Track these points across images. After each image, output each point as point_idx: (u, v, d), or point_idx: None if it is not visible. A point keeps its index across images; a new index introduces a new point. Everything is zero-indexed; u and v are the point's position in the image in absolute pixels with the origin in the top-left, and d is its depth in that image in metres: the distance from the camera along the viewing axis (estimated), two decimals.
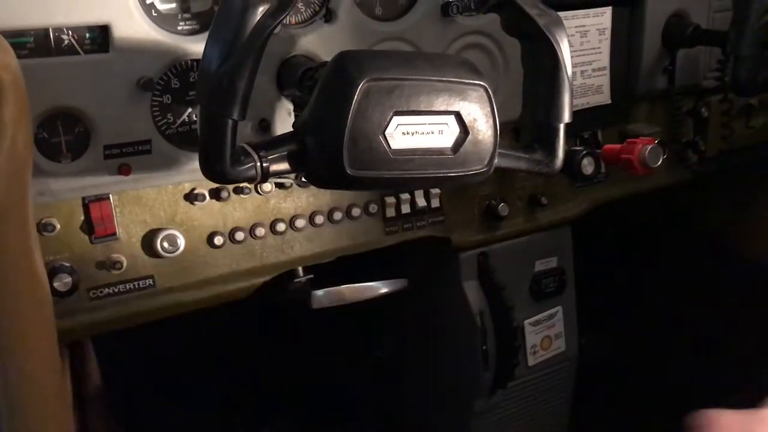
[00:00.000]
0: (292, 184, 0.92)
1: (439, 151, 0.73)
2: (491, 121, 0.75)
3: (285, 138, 0.72)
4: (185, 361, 1.39)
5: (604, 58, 1.25)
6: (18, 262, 0.42)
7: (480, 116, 0.75)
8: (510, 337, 1.22)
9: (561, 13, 0.89)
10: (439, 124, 0.73)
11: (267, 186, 0.99)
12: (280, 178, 0.72)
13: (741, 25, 1.04)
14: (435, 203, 1.14)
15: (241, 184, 0.97)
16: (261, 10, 0.66)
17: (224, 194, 0.97)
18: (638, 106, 1.32)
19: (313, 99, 0.73)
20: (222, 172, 0.68)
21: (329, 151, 0.70)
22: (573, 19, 1.18)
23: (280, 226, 1.02)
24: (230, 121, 0.67)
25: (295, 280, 1.08)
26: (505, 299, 1.21)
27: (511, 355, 1.22)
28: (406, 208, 1.11)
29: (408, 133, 0.72)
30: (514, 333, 1.22)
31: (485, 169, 0.77)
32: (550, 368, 1.32)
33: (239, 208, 1.00)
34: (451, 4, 1.04)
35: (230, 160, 0.68)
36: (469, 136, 0.74)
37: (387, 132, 0.70)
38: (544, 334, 1.30)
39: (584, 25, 1.21)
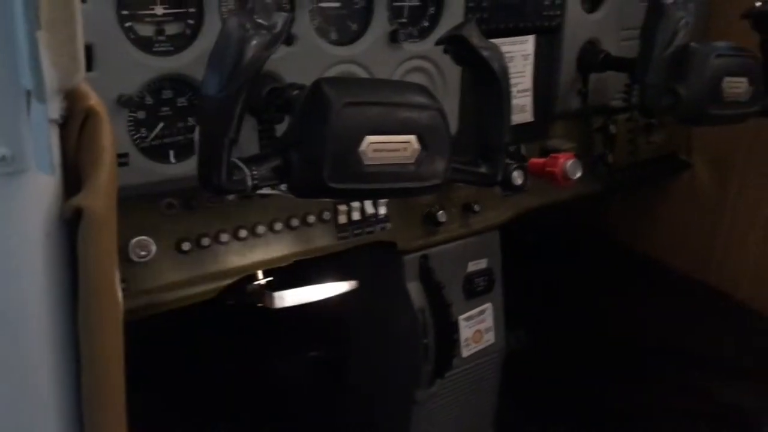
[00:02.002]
0: (254, 194, 1.01)
1: (404, 166, 0.84)
2: (445, 139, 0.87)
3: (270, 154, 0.81)
4: (141, 362, 1.44)
5: (527, 81, 1.40)
6: (108, 271, 0.49)
7: (436, 135, 0.86)
8: (448, 332, 1.34)
9: (496, 41, 1.03)
10: (404, 142, 0.84)
11: (231, 195, 1.08)
12: (262, 189, 0.81)
13: (647, 55, 1.20)
14: (382, 211, 1.24)
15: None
16: (255, 43, 0.75)
17: (194, 204, 1.05)
18: (556, 124, 1.47)
19: (295, 119, 0.83)
20: (219, 185, 0.76)
21: (311, 166, 0.79)
22: (501, 46, 1.30)
23: (242, 233, 1.10)
24: (227, 140, 0.76)
25: (255, 283, 1.18)
26: (444, 297, 1.33)
27: (449, 347, 1.34)
28: (356, 216, 1.22)
29: (378, 150, 0.82)
30: (452, 328, 1.34)
31: (440, 182, 0.88)
32: (481, 359, 1.44)
33: (206, 217, 1.07)
34: (398, 32, 1.15)
35: (226, 174, 0.76)
36: (428, 153, 0.85)
37: (361, 149, 0.81)
38: (476, 329, 1.43)
39: (510, 51, 1.35)
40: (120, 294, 0.57)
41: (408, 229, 1.29)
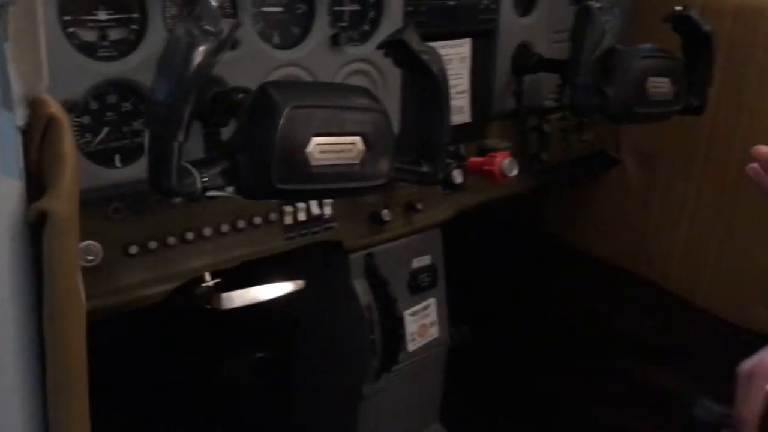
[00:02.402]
0: (201, 197, 1.03)
1: (350, 167, 0.87)
2: (389, 140, 0.91)
3: (219, 157, 0.83)
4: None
5: (464, 83, 1.45)
6: (72, 272, 0.50)
7: (380, 136, 0.89)
8: (394, 327, 1.38)
9: (434, 44, 1.07)
10: (349, 143, 0.87)
11: (178, 198, 1.09)
12: (211, 191, 0.83)
13: (577, 58, 1.26)
14: (327, 211, 1.27)
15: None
16: (202, 49, 0.77)
17: (140, 208, 1.06)
18: (493, 124, 1.52)
19: (242, 123, 0.85)
20: (169, 187, 0.78)
21: (259, 168, 0.81)
22: (439, 49, 1.34)
23: (189, 236, 1.12)
24: (177, 144, 0.77)
25: (203, 285, 1.19)
26: (389, 293, 1.37)
27: (395, 342, 1.38)
28: (302, 216, 1.24)
29: (324, 152, 0.85)
30: (397, 323, 1.38)
31: (385, 181, 0.92)
32: (426, 352, 1.49)
33: (153, 221, 1.08)
34: (339, 36, 1.18)
35: (176, 177, 0.78)
36: (373, 153, 0.89)
37: (308, 150, 0.83)
38: (421, 323, 1.47)
39: (448, 54, 1.39)
40: (83, 293, 0.58)
41: (353, 229, 1.32)
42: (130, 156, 1.02)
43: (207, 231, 1.13)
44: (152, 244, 1.08)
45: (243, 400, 1.66)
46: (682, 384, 1.62)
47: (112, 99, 1.00)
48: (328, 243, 1.29)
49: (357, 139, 0.87)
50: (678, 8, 1.36)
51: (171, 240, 1.09)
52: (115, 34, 0.99)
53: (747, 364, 1.04)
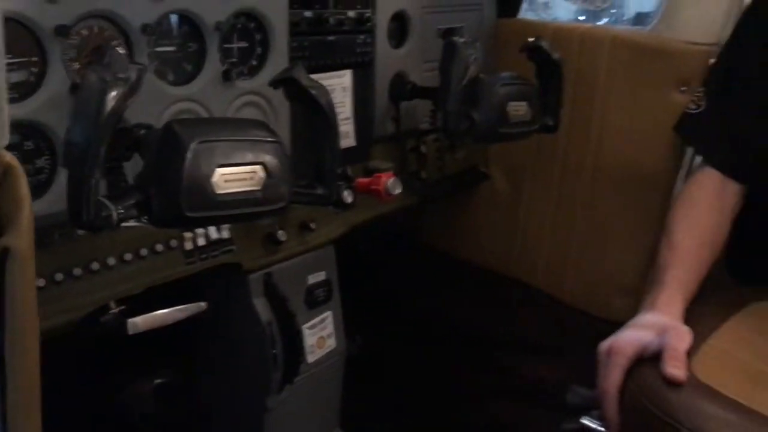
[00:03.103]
0: (116, 228, 1.08)
1: (252, 193, 0.96)
2: (287, 167, 1.01)
3: (132, 190, 0.90)
4: None
5: (348, 110, 1.56)
6: (31, 302, 0.56)
7: (279, 164, 0.99)
8: (294, 341, 1.46)
9: (313, 76, 1.18)
10: (251, 172, 0.96)
11: (81, 231, 1.13)
12: (128, 222, 0.89)
13: (446, 87, 1.41)
14: (225, 235, 1.35)
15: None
16: (114, 94, 0.84)
17: (46, 241, 1.10)
18: (375, 147, 1.63)
19: (150, 159, 0.92)
20: (88, 221, 0.84)
21: (170, 200, 0.89)
22: (323, 80, 1.45)
23: (94, 266, 1.16)
24: (93, 181, 0.84)
25: (109, 312, 1.23)
26: (288, 310, 1.45)
27: (296, 355, 1.47)
28: (201, 241, 1.31)
29: (229, 180, 0.94)
30: (297, 336, 1.47)
31: (284, 204, 1.02)
32: (325, 363, 1.58)
33: (58, 253, 1.12)
34: (230, 71, 1.27)
35: (93, 211, 0.85)
36: (272, 180, 0.98)
37: (213, 180, 0.92)
38: (319, 335, 1.57)
39: (331, 85, 1.50)
40: (38, 321, 0.64)
41: (251, 250, 1.40)
42: (34, 192, 1.05)
43: (111, 260, 1.18)
44: (59, 276, 1.11)
45: (145, 428, 1.68)
46: (557, 374, 1.79)
47: (14, 139, 1.04)
48: (228, 265, 1.36)
49: (258, 167, 0.97)
50: (531, 40, 1.54)
51: (77, 271, 1.14)
52: (15, 77, 1.03)
53: (605, 343, 1.21)
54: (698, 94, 1.46)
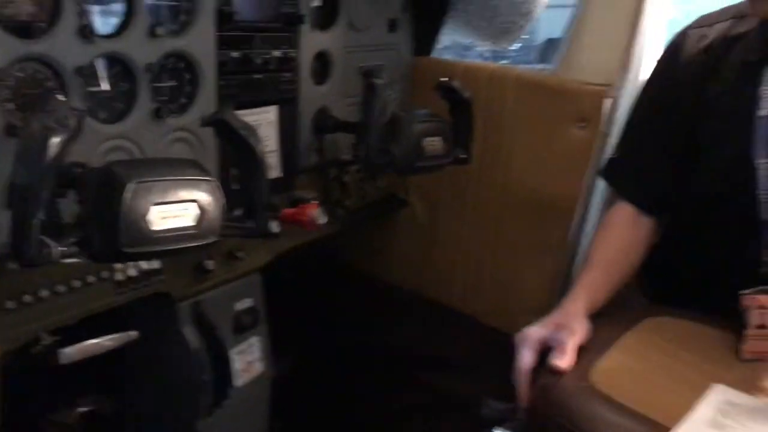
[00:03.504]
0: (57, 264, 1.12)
1: (186, 229, 1.03)
2: (219, 203, 1.08)
3: (72, 228, 0.96)
4: None
5: (273, 143, 1.63)
6: None
7: (211, 201, 1.06)
8: (223, 366, 1.52)
9: (240, 112, 1.26)
10: (185, 209, 1.03)
11: (13, 265, 1.17)
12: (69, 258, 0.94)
13: (367, 125, 1.51)
14: (156, 265, 1.40)
15: None
16: (56, 140, 0.90)
17: None
18: (300, 177, 1.70)
19: (90, 198, 0.98)
20: (31, 259, 0.89)
21: (108, 237, 0.95)
22: (250, 116, 1.53)
23: (27, 298, 1.20)
24: (36, 221, 0.89)
25: (41, 344, 1.26)
26: (216, 336, 1.51)
27: (224, 380, 1.52)
28: (132, 272, 1.36)
29: (164, 218, 1.00)
30: (225, 362, 1.53)
31: (217, 239, 1.09)
32: (253, 386, 1.63)
33: None
34: (160, 109, 1.32)
35: (36, 249, 0.89)
36: (206, 216, 1.05)
37: (149, 218, 0.98)
38: (246, 360, 1.62)
39: (258, 120, 1.57)
40: None
41: (180, 280, 1.45)
42: None
43: (44, 293, 1.21)
44: None
45: None
46: (472, 389, 1.90)
47: None
48: (158, 294, 1.41)
49: (191, 204, 1.04)
50: (443, 80, 1.65)
51: (10, 304, 1.17)
52: None
53: (519, 334, 1.40)
54: (617, 143, 1.65)
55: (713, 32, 1.50)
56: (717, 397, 1.21)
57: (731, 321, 1.38)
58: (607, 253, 1.55)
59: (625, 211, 1.59)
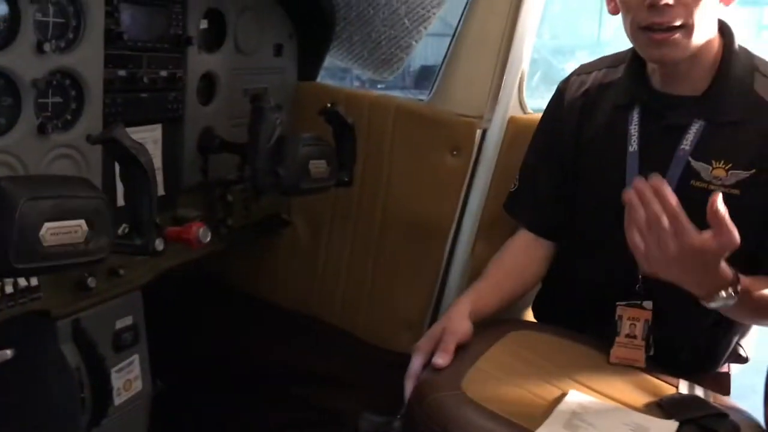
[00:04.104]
0: None
1: (76, 245, 1.04)
2: (108, 221, 1.10)
3: None
4: None
5: (158, 161, 1.64)
6: None
7: (101, 219, 1.08)
8: (102, 384, 1.50)
9: (127, 129, 1.27)
10: (75, 226, 1.04)
11: None
12: None
13: (254, 146, 1.56)
14: (34, 282, 1.37)
15: None
16: None
17: None
18: (185, 196, 1.73)
19: None
20: None
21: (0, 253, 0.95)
22: (135, 133, 1.53)
23: None
24: None
25: None
26: (96, 354, 1.49)
27: (103, 398, 1.50)
28: (9, 289, 1.33)
29: (55, 234, 1.01)
30: (105, 380, 1.51)
31: (105, 255, 1.10)
32: (132, 404, 1.61)
33: None
34: (45, 125, 1.32)
35: None
36: (96, 233, 1.07)
37: (40, 234, 0.99)
38: (126, 378, 1.60)
39: (143, 138, 1.57)
40: None
41: (59, 297, 1.43)
42: None
43: None
44: None
45: None
46: (351, 403, 1.97)
47: None
48: (35, 312, 1.39)
49: (81, 221, 1.05)
50: (328, 105, 1.74)
51: None
52: None
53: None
54: (517, 178, 1.79)
55: (590, 79, 1.69)
56: (571, 400, 1.35)
57: (603, 333, 1.55)
58: (500, 269, 1.71)
59: (523, 237, 1.75)
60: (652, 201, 1.23)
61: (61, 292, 1.43)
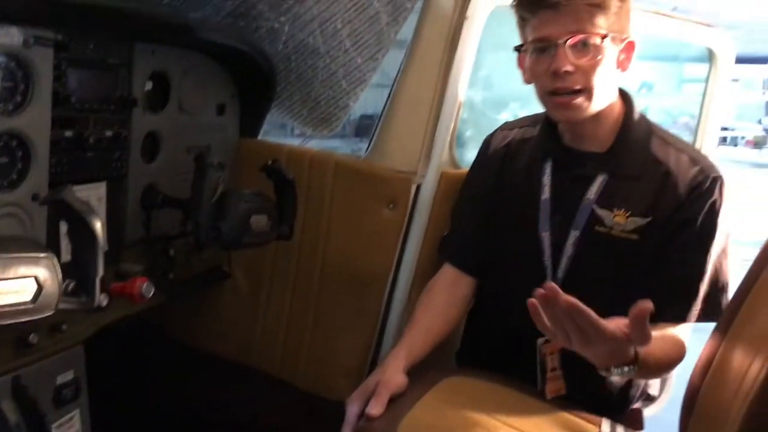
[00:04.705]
0: None
1: (25, 304, 1.08)
2: (56, 279, 1.14)
3: None
4: None
5: (101, 218, 1.68)
6: None
7: (49, 277, 1.12)
8: None
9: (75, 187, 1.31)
10: (24, 285, 1.08)
11: None
12: None
13: (197, 202, 1.62)
14: None
15: None
16: None
17: None
18: (128, 250, 1.77)
19: None
20: None
21: None
22: (79, 192, 1.57)
23: None
24: None
25: None
26: (36, 411, 1.50)
27: None
28: None
29: (3, 294, 1.05)
30: None
31: (53, 311, 1.14)
32: None
33: None
34: None
35: None
36: (44, 291, 1.11)
37: None
38: None
39: (88, 195, 1.62)
40: None
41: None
42: None
43: None
44: None
45: None
46: None
47: None
48: None
49: (29, 280, 1.09)
50: (269, 162, 1.81)
51: None
52: None
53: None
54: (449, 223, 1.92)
55: (512, 134, 1.88)
56: None
57: (527, 372, 1.66)
58: (428, 312, 1.80)
59: (448, 273, 1.86)
60: (553, 305, 1.24)
61: (1, 348, 1.44)
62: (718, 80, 2.47)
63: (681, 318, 1.60)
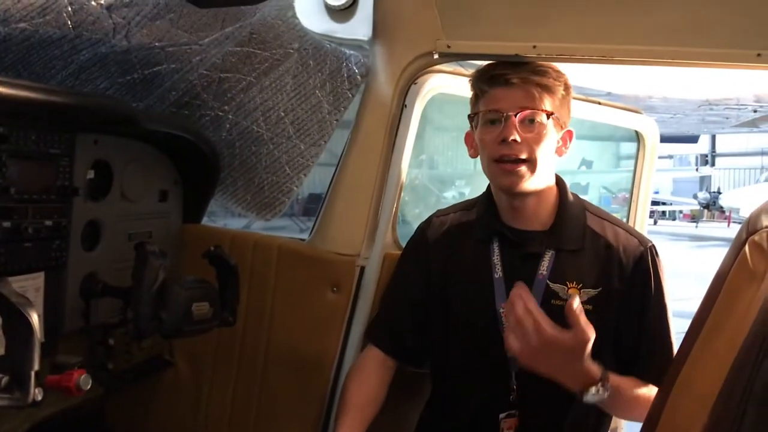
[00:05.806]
0: None
1: None
2: None
3: None
4: None
5: (39, 308, 1.65)
6: None
7: None
8: None
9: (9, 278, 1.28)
10: None
11: None
12: None
13: (138, 291, 1.61)
14: None
15: None
16: None
17: None
18: (65, 341, 1.73)
19: None
20: None
21: None
22: (17, 282, 1.53)
23: None
24: None
25: None
26: None
27: None
28: None
29: None
30: None
31: None
32: None
33: None
34: None
35: None
36: None
37: None
38: None
39: (24, 286, 1.59)
40: None
41: None
42: None
43: None
44: None
45: None
46: None
47: None
48: None
49: None
50: (212, 248, 1.82)
51: None
52: None
53: None
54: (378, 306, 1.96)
55: (449, 220, 1.93)
56: None
57: None
58: (360, 396, 1.81)
59: (375, 356, 1.88)
60: (516, 304, 1.49)
61: None
62: (646, 159, 2.61)
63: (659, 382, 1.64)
